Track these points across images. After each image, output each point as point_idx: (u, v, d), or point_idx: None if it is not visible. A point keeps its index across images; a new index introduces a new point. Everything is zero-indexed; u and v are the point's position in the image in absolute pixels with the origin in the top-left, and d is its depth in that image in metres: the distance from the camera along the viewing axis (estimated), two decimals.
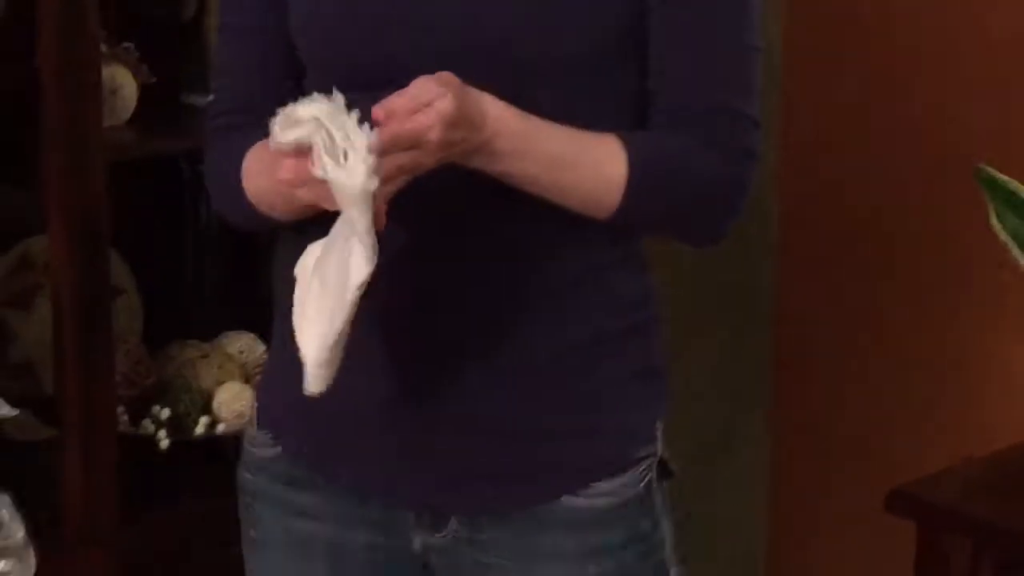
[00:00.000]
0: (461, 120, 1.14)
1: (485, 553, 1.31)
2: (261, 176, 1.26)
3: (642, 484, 1.32)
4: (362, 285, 1.15)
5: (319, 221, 1.23)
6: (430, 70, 1.13)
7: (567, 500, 1.29)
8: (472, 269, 1.28)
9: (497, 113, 1.18)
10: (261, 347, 1.92)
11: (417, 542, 1.31)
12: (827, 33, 2.59)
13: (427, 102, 1.11)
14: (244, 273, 2.08)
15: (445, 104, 1.11)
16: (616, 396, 1.33)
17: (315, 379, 1.20)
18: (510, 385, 1.29)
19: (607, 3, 1.25)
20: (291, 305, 1.27)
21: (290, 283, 1.27)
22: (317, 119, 1.12)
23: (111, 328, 1.70)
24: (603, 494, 1.30)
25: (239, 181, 1.31)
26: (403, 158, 1.12)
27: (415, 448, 1.30)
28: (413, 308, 1.27)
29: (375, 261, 1.14)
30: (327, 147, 1.11)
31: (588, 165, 1.26)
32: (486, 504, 1.31)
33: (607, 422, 1.32)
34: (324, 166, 1.10)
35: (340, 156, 1.11)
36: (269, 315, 1.41)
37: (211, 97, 1.43)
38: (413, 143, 1.12)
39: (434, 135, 1.11)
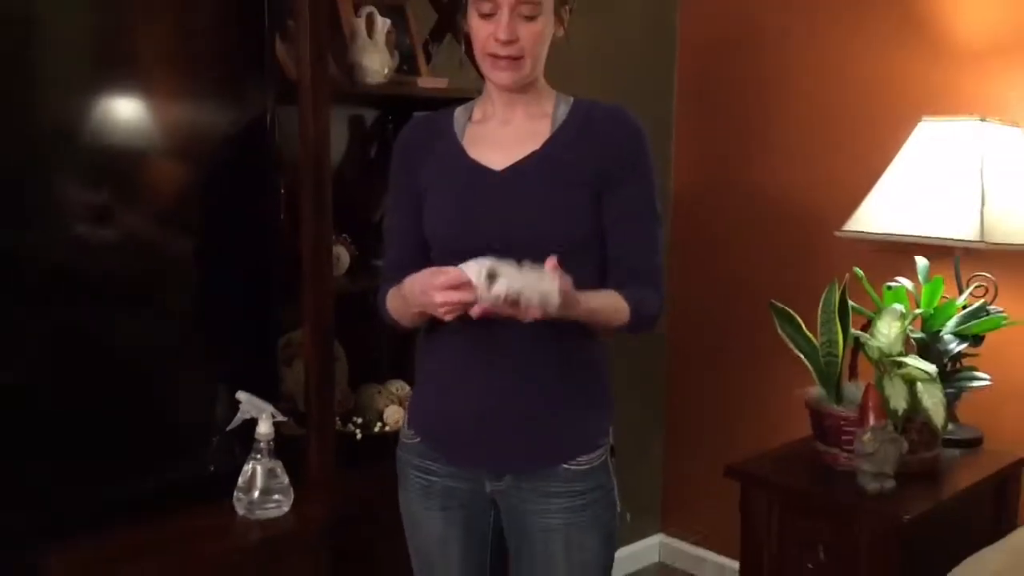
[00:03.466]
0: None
1: (522, 491, 1.64)
2: (398, 304, 1.63)
3: (602, 458, 1.66)
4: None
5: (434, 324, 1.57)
6: (505, 253, 1.44)
7: (564, 465, 1.62)
8: (532, 346, 1.58)
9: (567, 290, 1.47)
10: (407, 388, 2.34)
11: (487, 486, 1.67)
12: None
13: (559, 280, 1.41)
14: (401, 347, 2.46)
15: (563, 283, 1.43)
16: (589, 410, 1.66)
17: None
18: (540, 405, 1.61)
19: (582, 223, 1.58)
20: (427, 366, 1.63)
21: (424, 353, 1.66)
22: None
23: (333, 377, 2.09)
24: (583, 463, 1.64)
25: (387, 308, 1.67)
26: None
27: (488, 439, 1.62)
28: (499, 362, 1.57)
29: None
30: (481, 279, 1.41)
31: (610, 311, 1.59)
32: (524, 467, 1.63)
33: (585, 425, 1.64)
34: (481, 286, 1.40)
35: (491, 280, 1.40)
36: (412, 370, 1.79)
37: (382, 263, 1.80)
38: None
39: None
